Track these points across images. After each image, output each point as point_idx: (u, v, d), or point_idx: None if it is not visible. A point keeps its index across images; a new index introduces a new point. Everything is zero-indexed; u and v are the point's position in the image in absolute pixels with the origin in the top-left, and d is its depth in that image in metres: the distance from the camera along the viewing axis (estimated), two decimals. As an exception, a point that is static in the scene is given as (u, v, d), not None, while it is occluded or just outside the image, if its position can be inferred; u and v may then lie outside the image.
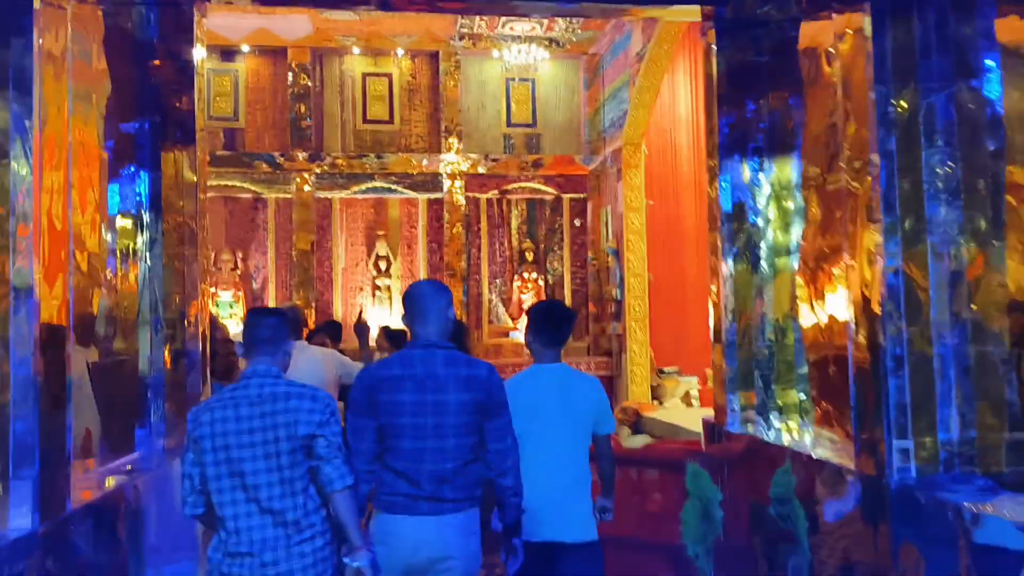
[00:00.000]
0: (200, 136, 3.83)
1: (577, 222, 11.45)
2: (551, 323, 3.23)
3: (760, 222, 4.13)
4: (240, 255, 10.77)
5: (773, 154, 4.11)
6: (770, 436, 3.79)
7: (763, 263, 4.10)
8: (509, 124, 11.42)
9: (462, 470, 2.72)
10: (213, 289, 10.54)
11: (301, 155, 10.80)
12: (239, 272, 10.72)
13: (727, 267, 4.21)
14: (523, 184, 11.31)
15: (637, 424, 9.51)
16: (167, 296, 3.68)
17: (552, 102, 11.52)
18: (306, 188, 10.82)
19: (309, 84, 10.89)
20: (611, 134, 10.65)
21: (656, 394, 10.12)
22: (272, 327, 2.71)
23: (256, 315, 2.80)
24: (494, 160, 11.20)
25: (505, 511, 2.83)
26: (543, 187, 11.36)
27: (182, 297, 3.77)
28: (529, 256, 11.21)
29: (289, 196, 10.84)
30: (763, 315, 4.00)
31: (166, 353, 3.76)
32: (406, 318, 2.83)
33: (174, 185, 3.69)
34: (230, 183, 10.71)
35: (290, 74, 10.86)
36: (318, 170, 10.84)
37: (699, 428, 8.27)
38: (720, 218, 4.32)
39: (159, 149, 3.69)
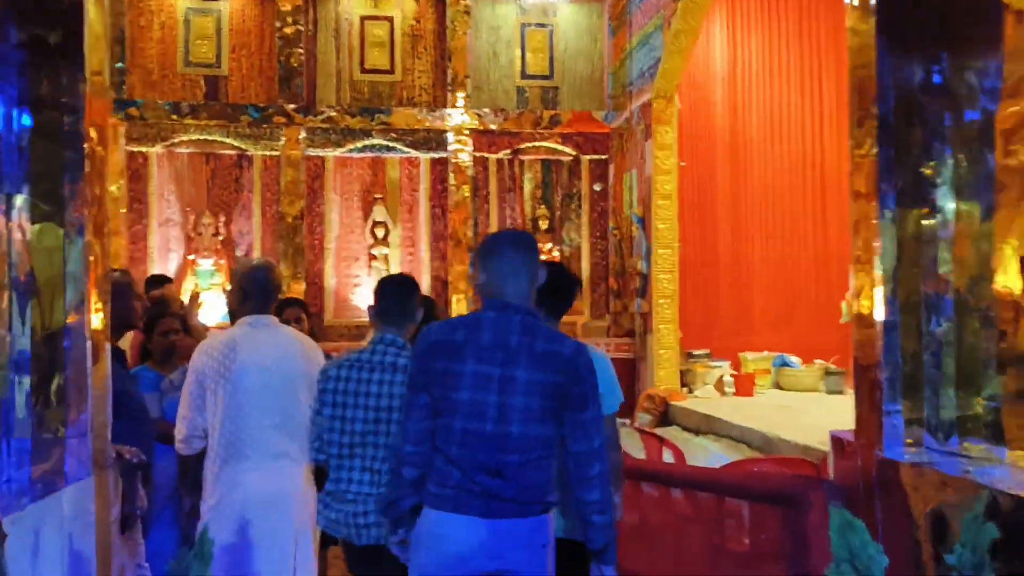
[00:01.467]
0: (96, 59, 2.67)
1: (598, 186, 10.37)
2: (551, 290, 2.78)
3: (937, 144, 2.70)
4: (223, 219, 9.77)
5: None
6: (949, 464, 2.52)
7: (943, 203, 2.68)
8: (523, 76, 10.34)
9: (529, 466, 2.30)
10: (193, 257, 9.56)
11: (291, 107, 9.73)
12: (221, 238, 9.75)
13: (885, 211, 2.73)
14: (538, 143, 10.24)
15: (665, 414, 8.51)
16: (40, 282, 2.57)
17: (572, 51, 10.40)
18: (296, 145, 9.75)
19: (301, 28, 9.82)
20: (639, 87, 9.55)
21: (685, 380, 9.09)
22: (403, 297, 2.96)
23: (389, 284, 3.00)
24: (506, 116, 10.12)
25: (589, 532, 2.37)
26: (560, 147, 10.28)
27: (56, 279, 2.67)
28: (543, 224, 10.16)
29: (277, 153, 9.81)
30: (941, 285, 2.63)
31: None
32: (479, 277, 2.41)
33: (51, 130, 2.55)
34: (211, 137, 9.71)
35: (279, 16, 9.77)
36: (310, 124, 9.80)
37: (737, 420, 7.33)
38: (875, 135, 2.80)
39: (36, 81, 2.55)
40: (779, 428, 6.57)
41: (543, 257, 8.57)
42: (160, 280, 6.23)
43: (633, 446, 4.94)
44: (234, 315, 3.01)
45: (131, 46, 9.69)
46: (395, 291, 2.97)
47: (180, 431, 2.92)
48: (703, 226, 10.01)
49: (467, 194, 10.05)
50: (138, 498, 2.89)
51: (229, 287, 3.09)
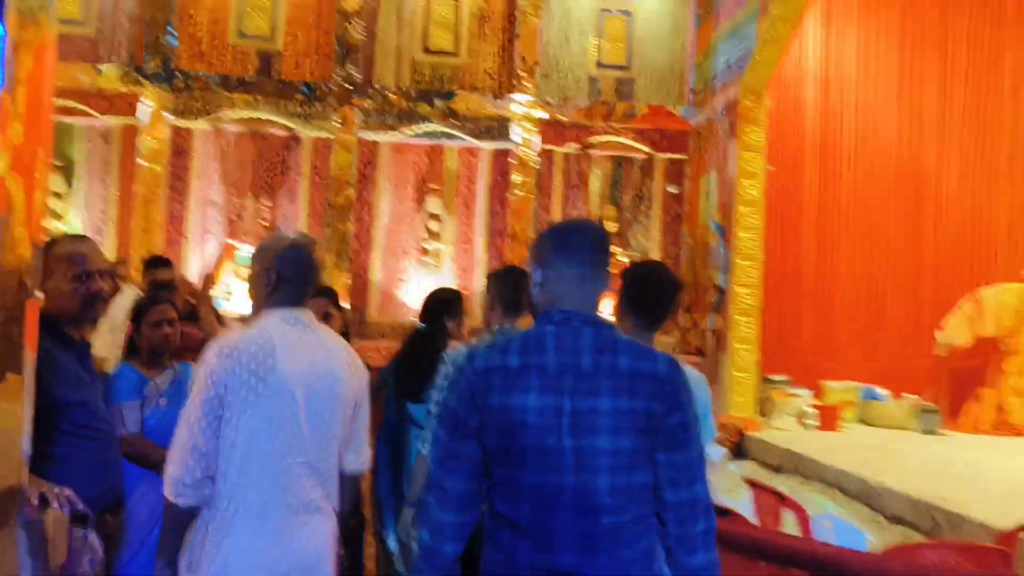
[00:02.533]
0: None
1: (673, 188, 9.59)
2: (651, 293, 2.47)
3: None
4: (267, 203, 9.16)
5: None
6: None
7: None
8: (598, 65, 9.61)
9: (624, 531, 1.78)
10: (232, 241, 8.96)
11: (346, 87, 9.09)
12: (264, 223, 9.12)
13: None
14: (609, 138, 9.50)
15: (739, 446, 7.70)
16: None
17: (652, 40, 9.65)
18: (349, 127, 9.13)
19: (362, 2, 9.16)
20: (724, 81, 8.77)
21: (761, 408, 8.27)
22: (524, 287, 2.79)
23: (513, 273, 3.09)
24: (576, 107, 9.38)
25: None
26: (634, 143, 9.52)
27: None
28: (610, 226, 9.41)
29: (329, 135, 9.19)
30: None
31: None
32: (534, 277, 1.94)
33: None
34: (260, 115, 9.13)
35: (339, -11, 9.14)
36: (365, 105, 9.14)
37: (829, 460, 6.42)
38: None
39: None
40: (881, 473, 5.75)
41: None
42: (160, 263, 5.54)
43: (726, 492, 4.15)
44: (256, 308, 2.29)
45: (180, 13, 9.14)
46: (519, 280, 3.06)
47: (175, 470, 2.09)
48: (785, 238, 9.21)
49: (530, 190, 9.33)
50: (86, 553, 2.06)
51: (253, 268, 2.31)
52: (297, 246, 2.28)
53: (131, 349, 3.23)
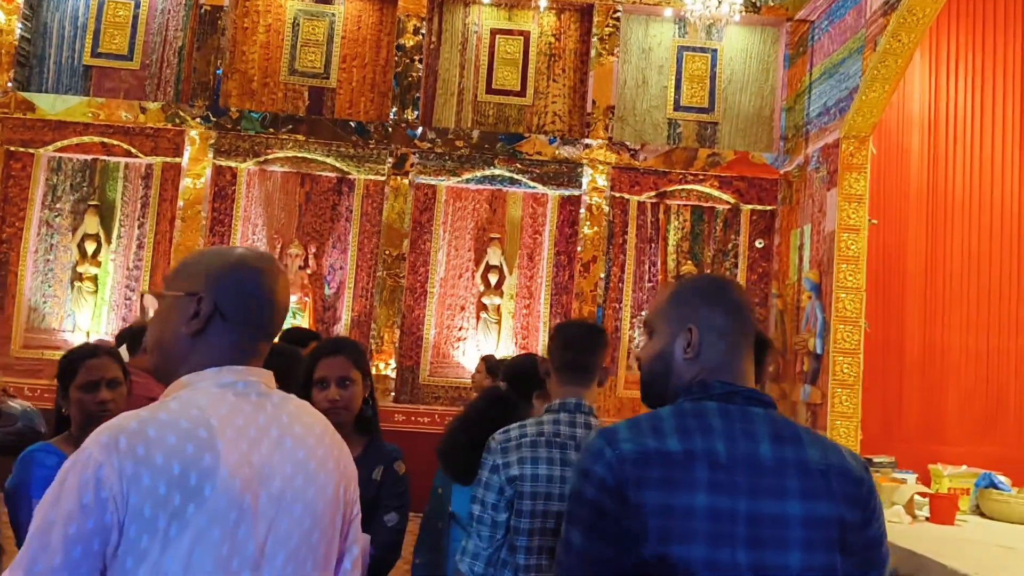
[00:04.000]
0: None
1: (759, 243, 8.73)
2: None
3: None
4: (312, 250, 8.54)
5: None
6: None
7: None
8: (677, 107, 8.88)
9: None
10: (274, 290, 8.29)
11: (403, 127, 8.49)
12: (309, 272, 8.50)
13: None
14: (690, 187, 8.71)
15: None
16: None
17: (737, 81, 8.91)
18: (405, 170, 8.49)
19: (423, 38, 8.62)
20: (820, 125, 7.97)
21: (867, 496, 7.19)
22: (597, 349, 2.42)
23: (577, 329, 2.51)
24: (654, 152, 8.62)
25: None
26: (716, 192, 8.72)
27: None
28: (689, 284, 8.49)
29: (382, 178, 8.57)
30: None
31: None
32: (678, 341, 1.54)
33: None
34: (309, 155, 8.56)
35: (400, 23, 8.61)
36: (423, 147, 8.51)
37: (960, 565, 5.35)
38: None
39: None
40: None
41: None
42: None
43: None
44: (169, 366, 1.40)
45: (231, 48, 8.69)
46: (588, 338, 2.42)
47: None
48: (888, 302, 8.24)
49: (600, 241, 8.54)
50: None
51: (165, 297, 1.42)
52: (247, 265, 1.41)
53: (60, 422, 2.45)
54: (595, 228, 8.57)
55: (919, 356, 8.47)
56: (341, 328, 8.49)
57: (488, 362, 5.34)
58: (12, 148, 8.45)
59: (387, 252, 8.50)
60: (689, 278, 1.66)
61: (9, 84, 8.40)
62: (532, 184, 8.68)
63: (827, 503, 1.42)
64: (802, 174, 8.34)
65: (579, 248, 8.60)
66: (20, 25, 8.47)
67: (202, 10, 8.54)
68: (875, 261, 7.85)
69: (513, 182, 8.68)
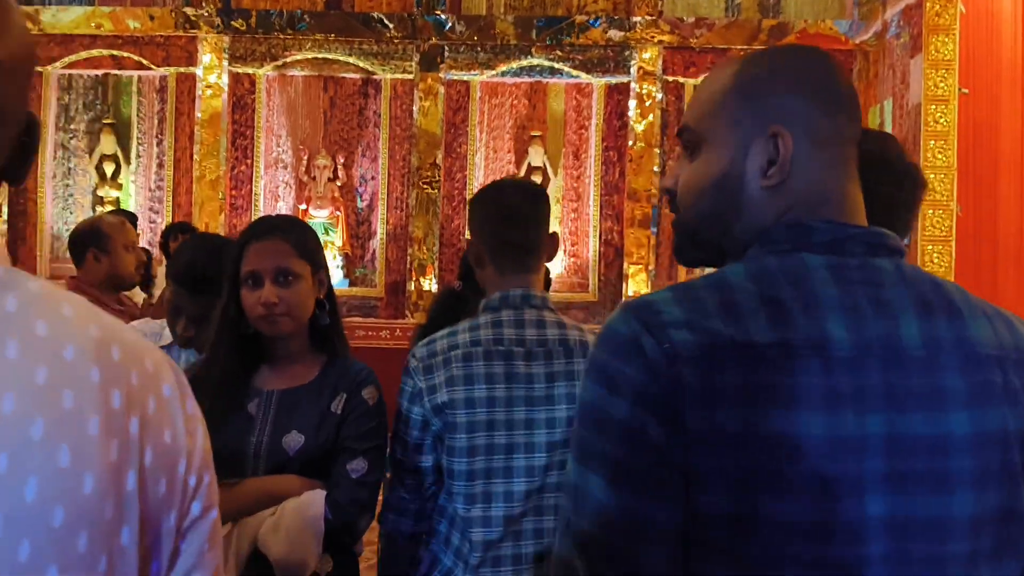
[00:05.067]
0: None
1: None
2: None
3: None
4: (341, 160, 7.95)
5: None
6: None
7: None
8: (735, -25, 7.89)
9: None
10: (304, 207, 7.82)
11: (429, 19, 7.73)
12: (340, 183, 7.93)
13: None
14: (751, 66, 7.75)
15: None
16: None
17: (804, -60, 7.86)
18: (434, 65, 7.77)
19: (445, -84, 7.77)
20: (902, -15, 6.95)
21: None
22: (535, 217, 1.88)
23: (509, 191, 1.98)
24: (710, 27, 7.72)
25: None
26: (782, 70, 7.75)
27: None
28: (754, 174, 7.70)
29: (410, 76, 7.86)
30: None
31: None
32: (751, 153, 0.93)
33: None
34: (331, 56, 7.88)
35: (419, -99, 7.76)
36: (452, 38, 7.75)
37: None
38: None
39: None
40: None
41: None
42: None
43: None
44: None
45: (238, -59, 7.97)
46: (527, 205, 1.83)
47: None
48: (980, 183, 7.35)
49: (653, 132, 7.75)
50: None
51: None
52: None
53: None
54: (647, 118, 7.77)
55: (1015, 244, 7.62)
56: (377, 244, 7.96)
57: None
58: (17, 67, 7.95)
59: (420, 158, 7.86)
60: (762, 53, 0.99)
61: (8, -2, 7.86)
62: (575, 73, 7.88)
63: (1008, 410, 0.87)
64: (880, 43, 7.40)
65: (630, 142, 7.83)
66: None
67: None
68: (964, 138, 6.96)
69: (553, 72, 7.89)
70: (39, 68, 7.93)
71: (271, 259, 1.77)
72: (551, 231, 1.87)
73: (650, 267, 7.72)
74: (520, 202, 1.84)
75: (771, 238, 0.91)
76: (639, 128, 7.77)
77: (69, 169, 8.11)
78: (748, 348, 0.82)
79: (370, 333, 7.40)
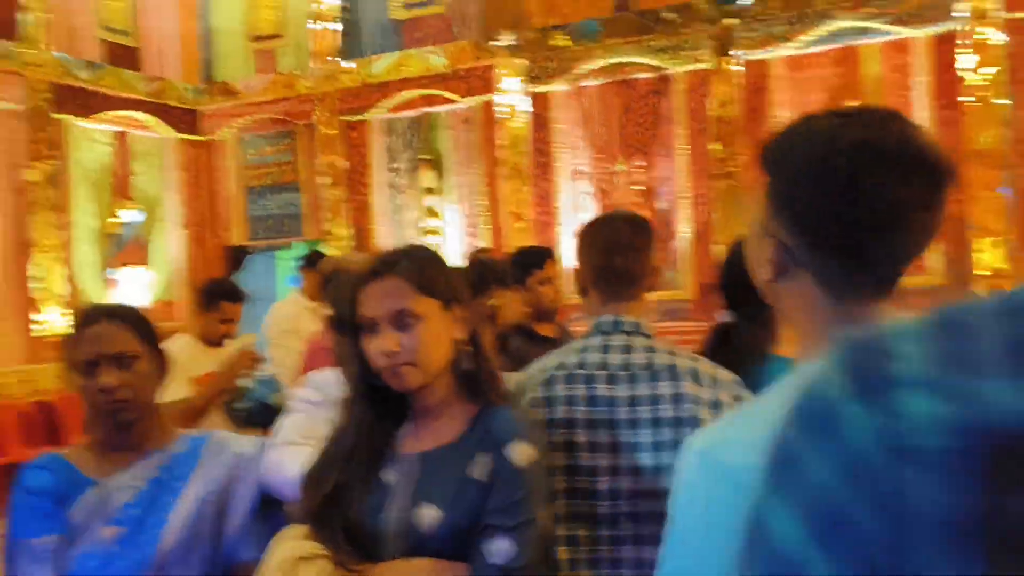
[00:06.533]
0: None
1: None
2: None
3: None
4: (640, 163, 7.73)
5: None
6: None
7: None
8: None
9: None
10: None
11: (713, 6, 7.28)
12: (639, 187, 7.70)
13: None
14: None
15: None
16: None
17: None
18: (726, 49, 7.27)
19: None
20: None
21: None
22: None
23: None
24: (1062, -55, 6.36)
25: None
26: None
27: None
28: None
29: (703, 65, 7.43)
30: None
31: None
32: None
33: None
34: (622, 59, 7.71)
35: None
36: (744, 18, 7.21)
37: None
38: None
39: None
40: None
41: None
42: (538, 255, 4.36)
43: None
44: None
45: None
46: (625, 235, 1.83)
47: None
48: None
49: (996, 86, 6.54)
50: None
51: None
52: None
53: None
54: (985, 70, 6.56)
55: None
56: (682, 244, 7.59)
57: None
58: (346, 118, 8.80)
59: (719, 149, 7.37)
60: None
61: (333, 58, 8.75)
62: (890, 29, 6.90)
63: None
64: None
65: (967, 98, 6.67)
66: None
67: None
68: None
69: (864, 32, 6.98)
70: (363, 116, 8.71)
71: (385, 301, 1.53)
72: (652, 262, 1.85)
73: (1007, 237, 6.50)
74: (622, 232, 1.84)
75: None
76: (976, 81, 6.59)
77: (397, 205, 8.78)
78: None
79: (682, 338, 7.06)
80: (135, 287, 8.42)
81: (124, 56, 8.67)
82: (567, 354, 1.82)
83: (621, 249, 1.81)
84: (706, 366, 1.77)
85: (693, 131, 7.58)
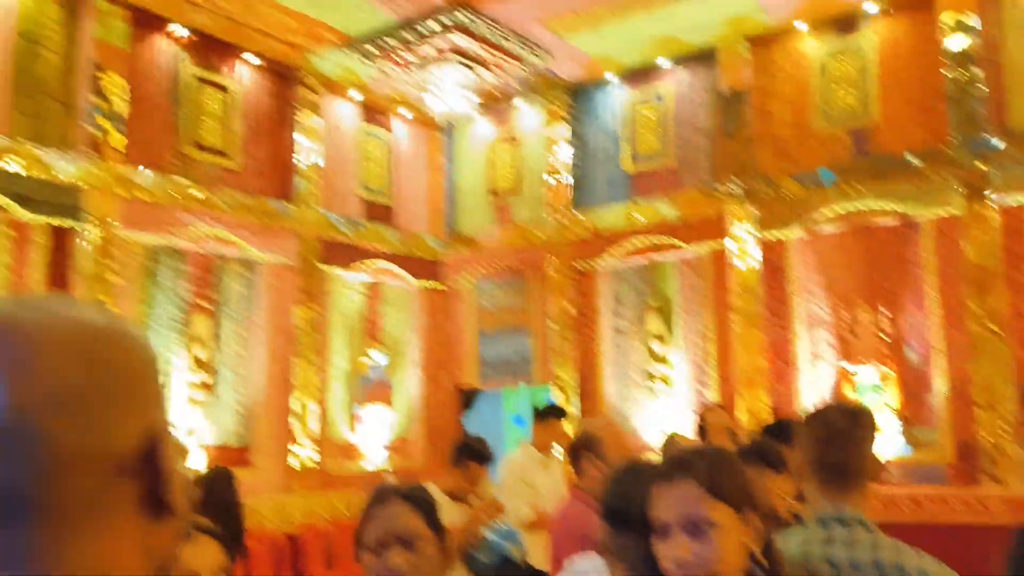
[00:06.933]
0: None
1: None
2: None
3: None
4: (885, 312, 7.34)
5: None
6: None
7: None
8: None
9: None
10: (846, 364, 7.34)
11: (975, 145, 6.97)
12: (886, 337, 7.29)
13: None
14: None
15: None
16: None
17: None
18: (979, 195, 6.89)
19: (973, 36, 7.07)
20: None
21: None
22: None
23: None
24: None
25: None
26: None
27: None
28: None
29: (955, 211, 7.05)
30: None
31: None
32: None
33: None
34: (862, 205, 7.49)
35: (941, 25, 7.20)
36: (1000, 160, 6.83)
37: None
38: None
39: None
40: None
41: None
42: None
43: None
44: None
45: (757, 110, 8.19)
46: (845, 427, 1.87)
47: None
48: None
49: None
50: None
51: None
52: None
53: None
54: None
55: None
56: (938, 401, 7.01)
57: None
58: (576, 264, 9.07)
59: (977, 299, 6.85)
60: None
61: (566, 208, 9.14)
62: None
63: None
64: None
65: None
66: (569, 150, 9.24)
67: (726, 94, 8.27)
68: None
69: None
70: (592, 263, 8.94)
71: (677, 505, 1.48)
72: (872, 454, 1.88)
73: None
74: (840, 423, 1.87)
75: None
76: None
77: (622, 348, 8.82)
78: None
79: (939, 505, 6.46)
80: (378, 424, 8.94)
81: (380, 213, 9.54)
82: (785, 543, 1.80)
83: (839, 441, 1.86)
84: (930, 563, 1.75)
85: (945, 279, 7.13)
